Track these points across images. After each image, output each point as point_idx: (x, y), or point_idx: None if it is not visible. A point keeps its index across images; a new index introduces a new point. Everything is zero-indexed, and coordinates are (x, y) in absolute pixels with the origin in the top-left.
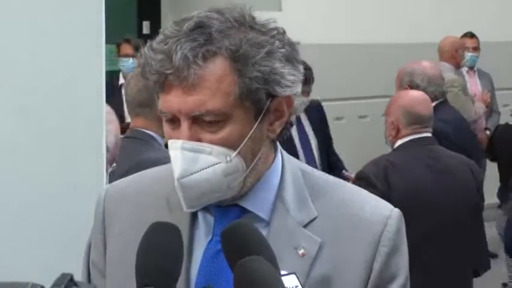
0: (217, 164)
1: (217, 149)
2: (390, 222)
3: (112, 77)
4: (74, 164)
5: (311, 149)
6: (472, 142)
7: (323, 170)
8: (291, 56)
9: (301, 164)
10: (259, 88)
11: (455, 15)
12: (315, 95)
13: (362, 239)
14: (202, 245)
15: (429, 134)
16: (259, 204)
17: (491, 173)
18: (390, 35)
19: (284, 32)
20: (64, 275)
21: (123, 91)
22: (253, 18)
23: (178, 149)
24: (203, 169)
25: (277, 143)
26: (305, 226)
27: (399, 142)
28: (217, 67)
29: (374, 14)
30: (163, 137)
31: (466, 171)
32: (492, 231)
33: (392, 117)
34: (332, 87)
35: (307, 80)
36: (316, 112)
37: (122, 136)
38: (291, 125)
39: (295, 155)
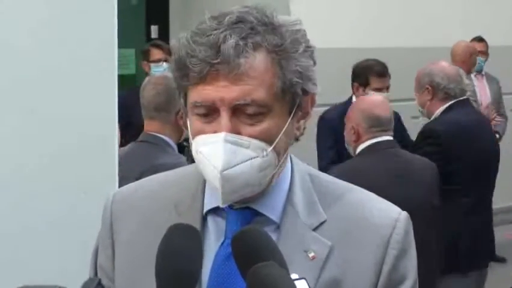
0: (254, 158)
1: (255, 142)
2: (399, 225)
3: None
4: (85, 169)
5: None
6: (488, 143)
7: None
8: (314, 58)
9: (309, 168)
10: (298, 82)
11: (464, 20)
12: (325, 99)
13: (371, 242)
14: (213, 248)
15: (390, 138)
16: (270, 207)
17: (500, 176)
18: (401, 39)
19: (306, 34)
20: (92, 279)
21: None
22: (282, 18)
23: (220, 142)
24: (241, 162)
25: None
26: (315, 229)
27: (360, 147)
28: (262, 59)
29: (385, 19)
30: (176, 142)
31: (428, 175)
32: (501, 235)
33: (352, 122)
34: (341, 91)
35: (382, 73)
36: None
37: (138, 140)
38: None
39: None
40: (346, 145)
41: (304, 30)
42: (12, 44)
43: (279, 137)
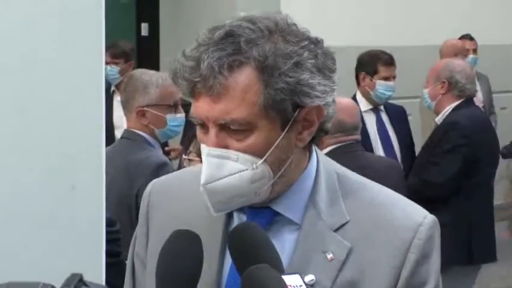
0: (243, 170)
1: (243, 156)
2: (422, 229)
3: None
4: (73, 164)
5: (391, 144)
6: (491, 143)
7: (405, 165)
8: (323, 66)
9: (338, 168)
10: (285, 99)
11: (453, 18)
12: None
13: (391, 245)
14: None
15: (352, 141)
16: (290, 208)
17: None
18: (389, 38)
19: (318, 42)
20: (74, 275)
21: (114, 97)
22: (289, 26)
23: (205, 155)
24: (229, 175)
25: (314, 147)
26: (336, 230)
27: (324, 151)
28: (244, 77)
29: (372, 17)
30: (159, 138)
31: (392, 176)
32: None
33: None
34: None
35: (390, 62)
36: (399, 115)
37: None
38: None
39: (369, 148)
40: None
41: (316, 39)
42: None
43: (269, 151)
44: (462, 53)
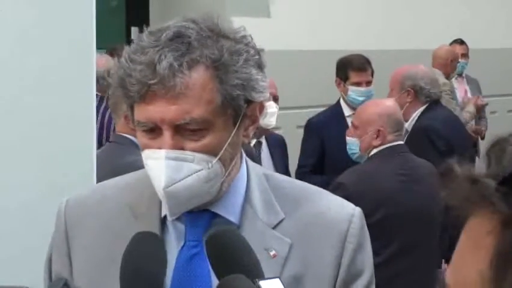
0: (199, 171)
1: (199, 156)
2: (355, 219)
3: None
4: (63, 168)
5: None
6: (464, 139)
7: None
8: (261, 63)
9: (264, 170)
10: (240, 94)
11: (444, 22)
12: (303, 101)
13: (329, 237)
14: (174, 252)
15: (402, 142)
16: (228, 209)
17: None
18: (378, 42)
19: (252, 39)
20: (58, 280)
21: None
22: (225, 27)
23: (162, 159)
24: (187, 177)
25: (242, 150)
26: (274, 228)
27: (374, 150)
28: (200, 75)
29: (361, 21)
30: None
31: (433, 180)
32: None
33: (376, 126)
34: (317, 93)
35: (360, 67)
36: None
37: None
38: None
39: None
40: (361, 154)
41: (250, 36)
42: None
43: (223, 148)
44: (456, 59)
